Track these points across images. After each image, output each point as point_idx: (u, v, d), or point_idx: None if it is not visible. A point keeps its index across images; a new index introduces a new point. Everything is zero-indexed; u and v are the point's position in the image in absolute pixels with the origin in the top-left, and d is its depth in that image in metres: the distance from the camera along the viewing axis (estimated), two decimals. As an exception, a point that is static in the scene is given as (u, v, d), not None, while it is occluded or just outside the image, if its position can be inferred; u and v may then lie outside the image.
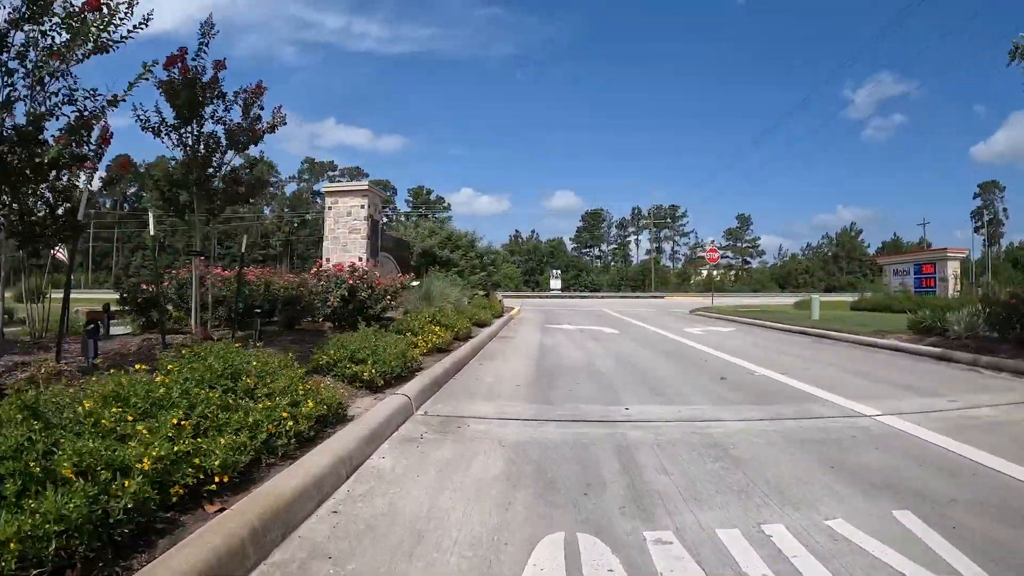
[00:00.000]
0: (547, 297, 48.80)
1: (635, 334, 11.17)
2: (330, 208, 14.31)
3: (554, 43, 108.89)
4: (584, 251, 74.76)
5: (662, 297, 48.24)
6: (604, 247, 75.90)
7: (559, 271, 58.12)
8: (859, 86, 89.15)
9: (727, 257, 71.49)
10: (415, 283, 14.33)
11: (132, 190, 67.56)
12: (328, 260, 14.22)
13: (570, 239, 75.48)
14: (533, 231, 77.08)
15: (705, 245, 23.29)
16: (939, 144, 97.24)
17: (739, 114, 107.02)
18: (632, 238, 75.23)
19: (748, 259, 70.57)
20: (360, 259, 13.75)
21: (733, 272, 66.17)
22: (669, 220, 71.12)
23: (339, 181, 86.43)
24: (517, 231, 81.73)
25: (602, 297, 49.93)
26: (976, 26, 78.23)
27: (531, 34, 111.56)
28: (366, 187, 13.81)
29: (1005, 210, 70.15)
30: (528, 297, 48.70)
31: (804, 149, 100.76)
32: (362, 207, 13.83)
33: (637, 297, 49.33)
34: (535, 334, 11.05)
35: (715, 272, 68.99)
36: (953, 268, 21.76)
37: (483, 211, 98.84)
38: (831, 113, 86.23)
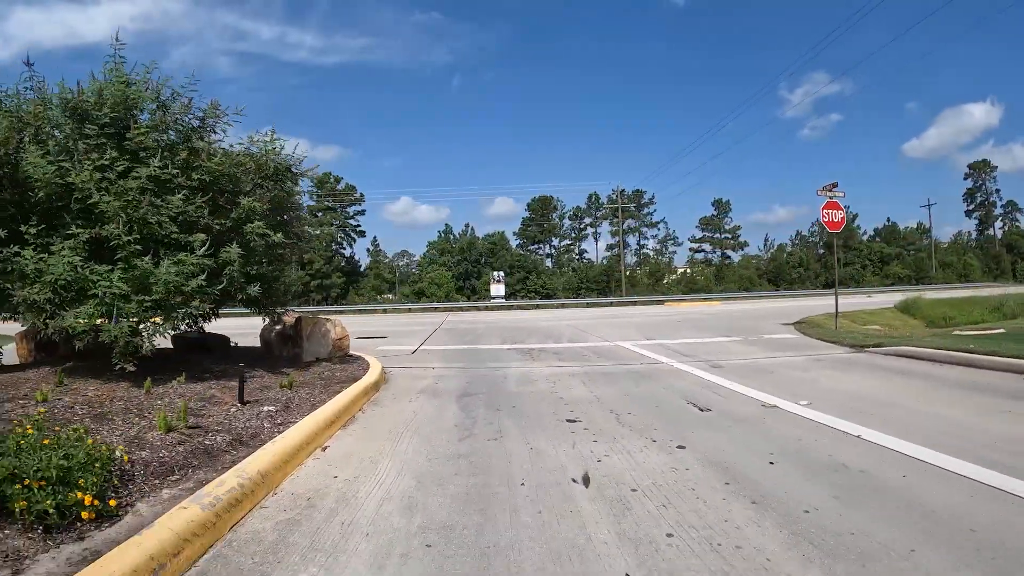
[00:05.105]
0: (487, 309, 34.92)
1: None
2: None
3: (488, 49, 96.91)
4: (532, 248, 60.76)
5: (660, 303, 35.28)
6: (556, 242, 62.19)
7: (502, 272, 44.25)
8: (796, 85, 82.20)
9: (703, 251, 59.99)
10: None
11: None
12: None
13: (514, 234, 61.58)
14: (467, 224, 62.72)
15: (827, 193, 10.78)
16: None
17: (689, 110, 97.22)
18: (590, 231, 62.13)
19: (728, 252, 59.10)
20: None
21: (712, 268, 54.52)
22: (634, 208, 58.57)
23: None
24: (448, 224, 67.32)
25: (560, 306, 36.62)
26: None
27: (465, 40, 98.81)
28: None
29: (998, 191, 62.41)
30: (460, 310, 34.71)
31: (747, 148, 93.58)
32: None
33: (611, 304, 36.23)
34: None
35: (692, 270, 57.19)
36: None
37: (423, 220, 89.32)
38: (770, 112, 79.04)
